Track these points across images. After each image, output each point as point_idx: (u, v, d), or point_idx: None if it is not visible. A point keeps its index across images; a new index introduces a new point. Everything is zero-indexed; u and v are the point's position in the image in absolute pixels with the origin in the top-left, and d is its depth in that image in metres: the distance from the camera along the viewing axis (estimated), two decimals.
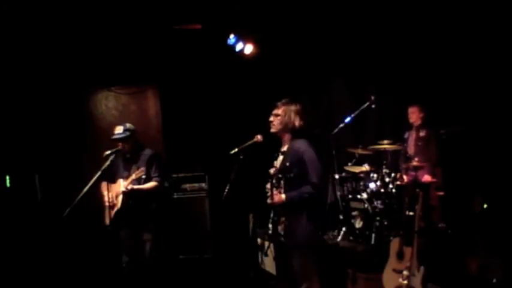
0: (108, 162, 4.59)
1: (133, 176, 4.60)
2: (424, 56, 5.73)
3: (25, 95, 6.55)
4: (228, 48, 6.73)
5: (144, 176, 4.66)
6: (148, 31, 6.53)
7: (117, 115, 7.22)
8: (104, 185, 4.77)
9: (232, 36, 6.66)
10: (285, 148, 3.80)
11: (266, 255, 5.73)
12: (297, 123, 3.72)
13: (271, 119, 3.80)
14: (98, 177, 4.53)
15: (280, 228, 3.75)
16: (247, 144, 4.45)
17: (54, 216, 5.34)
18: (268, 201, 3.73)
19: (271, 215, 3.80)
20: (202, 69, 7.18)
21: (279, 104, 3.80)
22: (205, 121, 7.30)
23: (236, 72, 7.21)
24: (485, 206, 4.61)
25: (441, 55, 5.58)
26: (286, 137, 3.79)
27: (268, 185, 3.75)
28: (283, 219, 3.73)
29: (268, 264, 5.71)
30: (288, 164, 3.66)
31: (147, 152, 4.85)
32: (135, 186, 4.64)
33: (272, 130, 3.80)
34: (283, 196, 3.67)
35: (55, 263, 5.98)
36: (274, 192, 3.69)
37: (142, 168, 4.60)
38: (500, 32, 4.86)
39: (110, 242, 4.94)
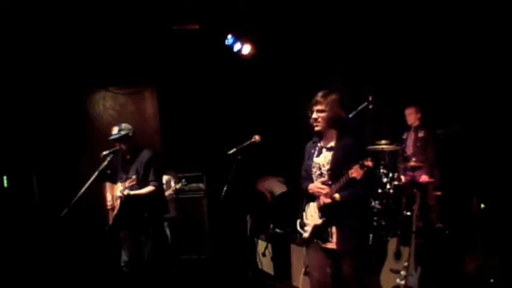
0: (105, 163, 4.57)
1: (126, 184, 4.53)
2: (422, 56, 5.74)
3: (23, 95, 6.54)
4: (225, 49, 6.73)
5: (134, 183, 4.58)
6: (146, 31, 6.52)
7: (115, 115, 7.21)
8: (107, 185, 4.78)
9: (230, 36, 6.66)
10: (331, 143, 3.46)
11: (264, 255, 5.73)
12: (343, 114, 3.46)
13: (315, 115, 3.44)
14: (95, 178, 4.52)
15: (333, 234, 3.39)
16: (245, 144, 4.46)
17: (51, 216, 5.33)
18: (322, 201, 3.35)
19: (312, 215, 3.45)
20: (200, 70, 7.18)
21: (319, 97, 3.46)
22: (203, 121, 7.29)
23: (234, 73, 7.21)
24: (482, 206, 4.61)
25: (439, 55, 5.58)
26: (332, 132, 3.46)
27: (317, 183, 3.41)
28: (334, 224, 3.39)
29: (266, 264, 5.71)
30: (340, 159, 3.34)
31: (146, 154, 4.73)
32: (132, 192, 4.56)
33: (318, 128, 3.45)
34: (336, 195, 3.32)
35: (53, 264, 5.97)
36: (324, 190, 3.35)
37: (134, 178, 4.51)
38: (497, 32, 4.87)
39: (108, 242, 4.93)
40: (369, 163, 3.13)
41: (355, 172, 3.14)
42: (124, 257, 4.79)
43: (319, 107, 3.44)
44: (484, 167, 5.11)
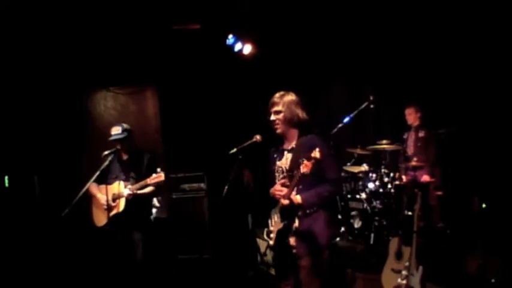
0: (106, 163, 4.57)
1: (148, 181, 4.53)
2: (422, 56, 5.74)
3: (24, 95, 6.54)
4: (226, 49, 6.73)
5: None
6: (147, 31, 6.53)
7: (116, 115, 7.21)
8: (95, 186, 4.71)
9: (231, 36, 6.66)
10: (292, 145, 3.36)
11: (265, 254, 5.73)
12: (301, 114, 3.33)
13: (273, 117, 3.37)
14: (96, 178, 4.52)
15: (292, 239, 3.26)
16: (246, 144, 4.45)
17: (52, 216, 5.33)
18: (285, 202, 3.18)
19: (276, 221, 3.31)
20: (201, 70, 7.17)
21: (276, 99, 3.41)
22: (204, 121, 7.29)
23: (235, 73, 7.20)
24: (483, 205, 4.61)
25: (440, 55, 5.58)
26: (293, 133, 3.38)
27: (276, 186, 3.30)
28: (295, 225, 3.24)
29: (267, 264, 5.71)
30: (301, 160, 3.15)
31: (146, 155, 4.79)
32: (139, 192, 4.60)
33: (278, 131, 3.39)
34: (298, 197, 3.17)
35: (53, 263, 5.97)
36: (282, 192, 3.22)
37: (161, 174, 4.52)
38: (497, 32, 4.87)
39: (107, 242, 4.93)
40: (316, 154, 2.98)
41: (305, 167, 3.01)
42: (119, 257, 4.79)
43: (275, 108, 3.37)
44: (485, 167, 5.11)
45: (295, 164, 3.24)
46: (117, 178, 4.74)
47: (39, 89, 6.67)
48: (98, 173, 4.51)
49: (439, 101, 5.72)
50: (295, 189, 3.19)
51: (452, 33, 5.34)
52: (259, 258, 5.81)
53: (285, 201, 3.19)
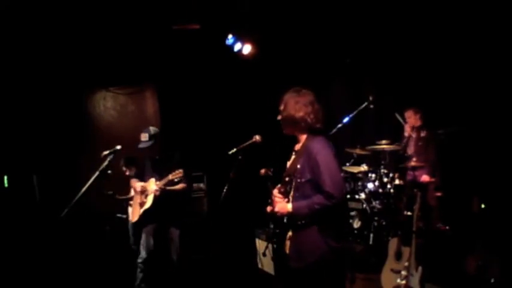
0: (106, 163, 4.58)
1: (170, 177, 4.68)
2: (423, 56, 5.74)
3: (23, 95, 6.54)
4: (226, 48, 6.73)
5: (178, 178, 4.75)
6: (147, 31, 6.53)
7: (116, 115, 7.22)
8: (134, 181, 4.98)
9: (230, 36, 6.66)
10: (298, 147, 3.10)
11: (264, 255, 5.73)
12: (298, 114, 2.98)
13: (279, 117, 3.11)
14: (96, 178, 4.53)
15: (287, 247, 3.05)
16: (245, 144, 4.46)
17: (52, 216, 5.34)
18: (268, 209, 3.04)
19: (272, 228, 3.21)
20: (200, 69, 7.18)
21: (283, 96, 3.13)
22: (203, 121, 7.29)
23: (234, 72, 7.20)
24: (483, 206, 4.61)
25: (440, 55, 5.58)
26: (301, 134, 3.08)
27: (275, 190, 3.11)
28: (289, 234, 3.03)
29: (267, 264, 5.71)
30: (299, 166, 2.95)
31: (177, 156, 4.96)
32: (168, 188, 4.77)
33: (284, 132, 3.14)
34: (289, 206, 2.95)
35: (53, 264, 5.97)
36: (278, 199, 3.01)
37: (181, 170, 4.66)
38: (497, 32, 4.87)
39: (109, 242, 4.95)
40: (261, 171, 2.95)
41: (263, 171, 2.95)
42: (143, 253, 4.85)
43: (280, 107, 3.10)
44: (485, 167, 5.11)
45: (292, 169, 3.06)
46: (152, 177, 4.92)
47: (39, 89, 6.67)
48: (97, 173, 4.52)
49: (438, 102, 5.72)
50: (291, 196, 2.99)
51: (453, 34, 5.34)
52: (258, 258, 5.82)
53: (268, 208, 3.04)
